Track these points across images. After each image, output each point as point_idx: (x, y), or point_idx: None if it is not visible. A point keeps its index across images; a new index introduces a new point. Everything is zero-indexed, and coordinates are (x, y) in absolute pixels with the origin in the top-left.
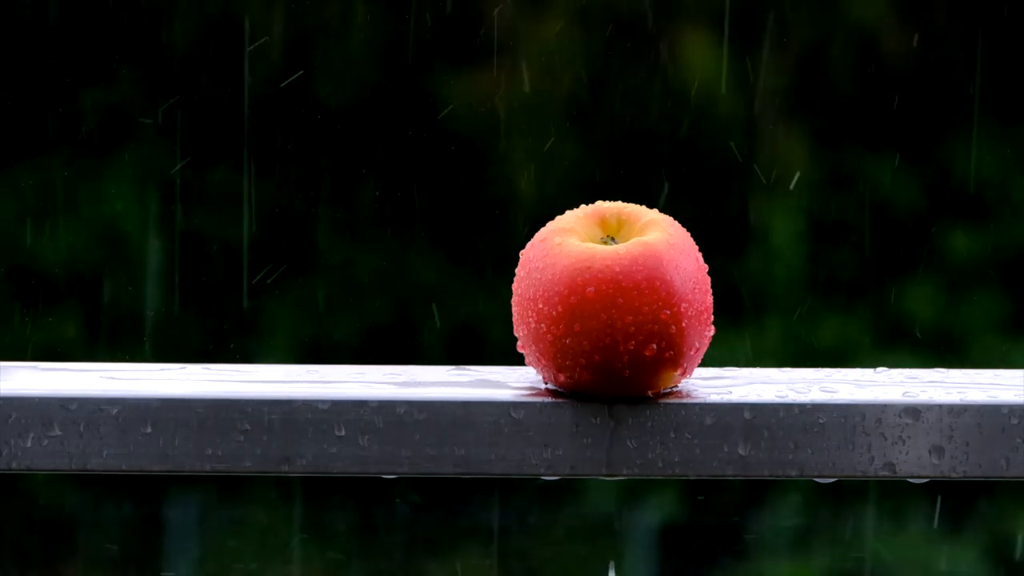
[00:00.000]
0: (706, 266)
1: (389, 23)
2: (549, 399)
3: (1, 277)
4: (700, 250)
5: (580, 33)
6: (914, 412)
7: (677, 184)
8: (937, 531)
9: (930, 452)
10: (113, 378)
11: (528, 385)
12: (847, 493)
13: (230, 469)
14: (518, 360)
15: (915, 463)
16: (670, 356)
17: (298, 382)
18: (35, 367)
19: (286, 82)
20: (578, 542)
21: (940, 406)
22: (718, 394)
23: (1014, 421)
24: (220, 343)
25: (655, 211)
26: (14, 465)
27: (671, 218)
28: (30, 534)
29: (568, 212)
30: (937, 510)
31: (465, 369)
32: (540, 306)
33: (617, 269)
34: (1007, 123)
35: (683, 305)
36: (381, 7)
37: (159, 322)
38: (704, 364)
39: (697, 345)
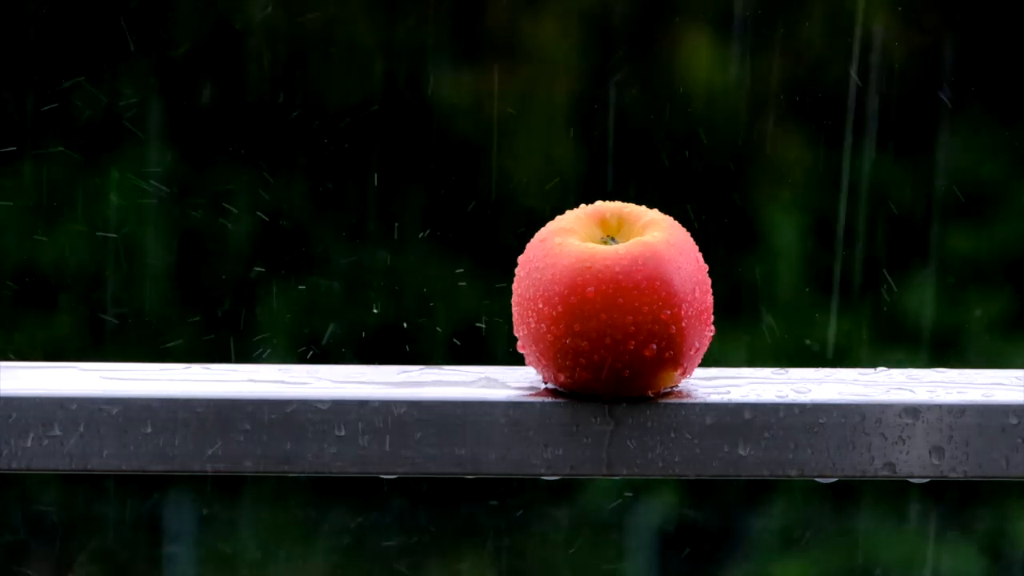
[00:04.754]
0: (706, 266)
1: (389, 22)
2: (549, 399)
3: (1, 277)
4: (700, 250)
5: (580, 33)
6: (914, 412)
7: (677, 184)
8: (937, 531)
9: (930, 452)
10: (113, 378)
11: (528, 385)
12: (847, 493)
13: (230, 469)
14: (518, 360)
15: (915, 463)
16: (670, 356)
17: (298, 382)
18: (35, 367)
19: (285, 81)
20: (578, 542)
21: (940, 406)
22: (718, 394)
23: (1014, 421)
24: (220, 343)
25: (655, 211)
26: (14, 465)
27: (671, 218)
28: (29, 534)
29: (568, 212)
30: (937, 510)
31: (465, 369)
32: (540, 306)
33: (617, 269)
34: (1008, 122)
35: (683, 305)
36: (381, 6)
37: (159, 322)
38: (704, 364)
39: (697, 345)
